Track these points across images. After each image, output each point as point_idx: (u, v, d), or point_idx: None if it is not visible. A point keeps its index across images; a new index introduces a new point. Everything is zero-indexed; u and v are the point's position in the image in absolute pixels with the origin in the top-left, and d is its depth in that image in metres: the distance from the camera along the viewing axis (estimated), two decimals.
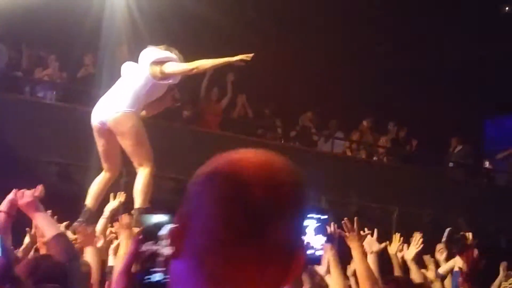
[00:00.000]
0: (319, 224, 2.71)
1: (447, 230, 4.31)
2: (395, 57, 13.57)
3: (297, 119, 13.17)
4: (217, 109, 12.16)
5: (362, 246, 4.34)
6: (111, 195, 5.56)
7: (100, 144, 5.76)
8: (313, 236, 2.71)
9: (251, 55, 5.69)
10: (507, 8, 14.61)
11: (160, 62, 5.71)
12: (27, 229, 4.80)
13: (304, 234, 2.72)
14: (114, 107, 5.63)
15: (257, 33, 12.37)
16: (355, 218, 4.38)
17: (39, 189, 3.67)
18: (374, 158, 13.17)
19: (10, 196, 3.58)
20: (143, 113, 6.02)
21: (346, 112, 13.49)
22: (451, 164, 13.65)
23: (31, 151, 9.06)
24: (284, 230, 1.19)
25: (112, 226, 5.04)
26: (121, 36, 9.84)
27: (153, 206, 5.46)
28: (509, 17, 14.55)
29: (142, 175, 5.61)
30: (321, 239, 2.72)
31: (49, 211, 3.90)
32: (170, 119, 11.05)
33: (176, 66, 5.69)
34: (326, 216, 2.75)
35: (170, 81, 5.81)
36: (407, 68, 13.60)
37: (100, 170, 6.00)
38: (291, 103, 13.16)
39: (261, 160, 1.24)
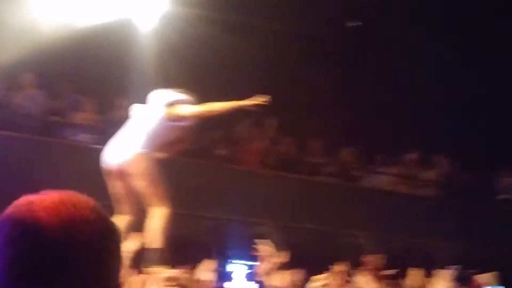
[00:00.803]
0: (251, 270, 2.72)
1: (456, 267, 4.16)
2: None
3: (338, 155, 13.07)
4: (257, 147, 12.21)
5: None
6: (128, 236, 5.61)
7: (116, 186, 5.81)
8: (245, 283, 2.73)
9: (265, 98, 5.77)
10: None
11: (175, 104, 5.79)
12: None
13: (230, 280, 2.69)
14: (128, 149, 5.70)
15: (297, 66, 12.49)
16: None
17: None
18: (420, 192, 12.94)
19: None
20: (162, 154, 6.09)
21: (390, 146, 13.35)
22: (501, 197, 13.31)
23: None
24: (84, 269, 1.16)
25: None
26: (150, 79, 10.07)
27: (185, 245, 5.42)
28: None
29: (158, 216, 5.64)
30: (253, 286, 2.73)
31: None
32: (204, 158, 11.15)
33: (190, 109, 5.79)
34: (258, 263, 2.76)
35: (183, 123, 5.85)
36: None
37: None
38: (331, 138, 13.12)
39: (56, 200, 1.22)
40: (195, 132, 6.30)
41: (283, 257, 5.12)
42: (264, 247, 5.16)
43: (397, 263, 8.86)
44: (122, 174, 5.73)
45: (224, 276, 5.61)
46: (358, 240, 10.28)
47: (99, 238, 1.20)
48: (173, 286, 4.56)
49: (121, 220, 5.81)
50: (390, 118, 13.43)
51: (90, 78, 10.82)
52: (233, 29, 12.32)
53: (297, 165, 12.64)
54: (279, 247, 9.36)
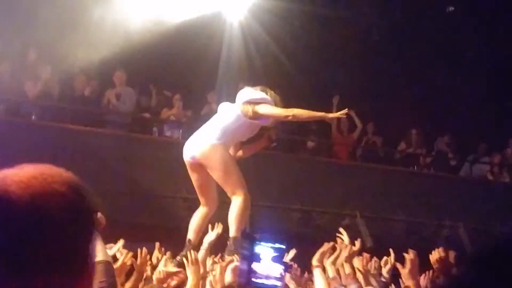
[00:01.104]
0: (277, 253, 2.69)
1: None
2: None
3: (432, 144, 12.70)
4: (349, 139, 12.08)
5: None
6: (209, 226, 5.66)
7: (194, 179, 5.89)
8: (270, 265, 2.66)
9: (346, 111, 5.79)
10: None
11: (254, 103, 5.79)
12: None
13: (258, 260, 2.62)
14: (203, 140, 5.77)
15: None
16: None
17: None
18: None
19: None
20: (240, 153, 6.10)
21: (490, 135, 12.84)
22: None
23: (160, 187, 9.42)
24: (52, 244, 1.16)
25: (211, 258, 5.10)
26: (238, 74, 10.14)
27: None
28: None
29: (236, 203, 5.64)
30: (279, 268, 2.67)
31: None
32: (295, 150, 11.13)
33: (271, 109, 5.74)
34: (283, 246, 2.75)
35: (261, 122, 5.83)
36: None
37: None
38: (426, 128, 12.76)
39: (29, 174, 1.23)
40: (276, 131, 6.26)
41: (357, 246, 5.00)
42: (344, 237, 5.06)
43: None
44: (198, 166, 5.78)
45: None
46: (457, 231, 9.95)
47: (70, 213, 1.20)
48: None
49: (203, 213, 5.87)
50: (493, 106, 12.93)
51: (180, 74, 11.02)
52: (321, 21, 12.22)
53: (389, 156, 12.40)
54: (366, 238, 9.28)
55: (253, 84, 6.23)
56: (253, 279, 2.68)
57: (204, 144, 5.71)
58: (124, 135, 9.94)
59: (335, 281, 4.59)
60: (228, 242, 5.49)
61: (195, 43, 10.75)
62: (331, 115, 5.83)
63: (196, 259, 4.54)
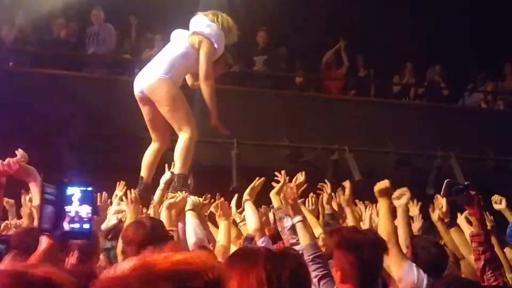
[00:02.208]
0: (85, 194, 2.68)
1: (446, 182, 3.75)
2: None
3: (424, 75, 12.55)
4: (338, 74, 11.95)
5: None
6: (166, 166, 5.61)
7: (144, 113, 5.81)
8: (79, 207, 2.66)
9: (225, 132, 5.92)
10: None
11: (202, 35, 5.65)
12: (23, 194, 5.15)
13: (70, 203, 2.60)
14: (150, 74, 5.65)
15: None
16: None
17: (20, 154, 3.69)
18: None
19: None
20: (193, 83, 5.99)
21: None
22: None
23: (143, 129, 9.31)
24: None
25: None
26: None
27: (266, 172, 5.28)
28: None
29: (181, 140, 5.56)
30: (87, 209, 2.67)
31: None
32: (281, 87, 11.00)
33: (205, 58, 5.58)
34: (90, 188, 2.72)
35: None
36: None
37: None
38: (416, 58, 12.58)
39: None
40: (230, 55, 6.10)
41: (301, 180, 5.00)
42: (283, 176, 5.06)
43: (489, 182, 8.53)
44: (147, 100, 5.68)
45: None
46: (448, 161, 9.92)
47: None
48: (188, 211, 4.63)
49: (155, 149, 5.81)
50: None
51: (160, 13, 10.76)
52: None
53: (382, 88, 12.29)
54: (355, 172, 9.24)
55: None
56: (63, 223, 2.65)
57: (151, 78, 5.59)
58: (105, 77, 9.78)
59: (279, 210, 4.66)
60: (173, 180, 5.44)
61: None
62: (214, 122, 5.75)
63: (136, 198, 4.59)
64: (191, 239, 4.35)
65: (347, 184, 4.75)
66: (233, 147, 9.03)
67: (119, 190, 5.28)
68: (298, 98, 10.81)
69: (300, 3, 11.76)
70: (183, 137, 5.55)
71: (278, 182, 5.00)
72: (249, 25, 11.21)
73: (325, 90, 11.74)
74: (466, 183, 3.93)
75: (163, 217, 4.44)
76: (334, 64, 11.88)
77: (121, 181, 5.37)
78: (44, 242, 2.70)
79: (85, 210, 2.68)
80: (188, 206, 4.71)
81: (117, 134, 8.84)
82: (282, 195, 4.83)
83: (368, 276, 3.13)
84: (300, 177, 4.90)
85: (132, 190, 4.81)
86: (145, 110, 5.77)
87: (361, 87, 12.13)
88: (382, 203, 4.09)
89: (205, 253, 1.55)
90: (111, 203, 5.09)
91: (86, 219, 2.68)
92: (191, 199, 4.78)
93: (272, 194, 4.90)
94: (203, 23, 5.74)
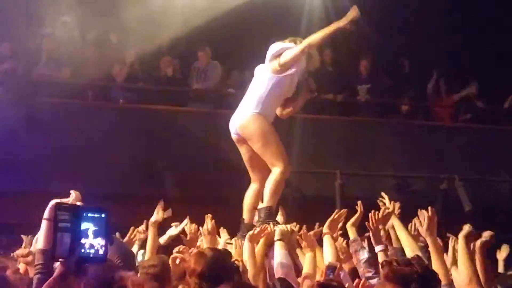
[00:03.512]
0: (100, 224, 2.78)
1: None
2: None
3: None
4: (449, 101, 11.66)
5: None
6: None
7: (242, 154, 5.79)
8: (94, 239, 2.77)
9: (356, 11, 5.52)
10: None
11: (277, 55, 5.58)
12: None
13: (86, 237, 2.55)
14: (241, 113, 5.65)
15: None
16: None
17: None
18: None
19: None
20: (287, 111, 5.88)
21: None
22: None
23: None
24: None
25: None
26: None
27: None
28: None
29: (273, 174, 5.49)
30: (101, 241, 2.78)
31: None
32: (386, 115, 10.86)
33: (289, 53, 5.51)
34: (104, 215, 2.81)
35: (292, 70, 5.58)
36: None
37: None
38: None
39: None
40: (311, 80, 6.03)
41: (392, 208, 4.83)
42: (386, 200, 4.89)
43: None
44: (242, 140, 5.68)
45: None
46: None
47: None
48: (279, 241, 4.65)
49: (255, 190, 5.74)
50: None
51: (262, 45, 10.91)
52: None
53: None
54: (465, 201, 8.91)
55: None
56: (79, 250, 2.72)
57: (242, 116, 5.60)
58: (211, 111, 10.00)
59: (355, 242, 4.53)
60: (259, 213, 5.41)
61: (274, 14, 10.62)
62: (342, 22, 5.52)
63: (213, 229, 4.82)
64: (278, 272, 4.35)
65: (430, 212, 4.51)
66: (337, 177, 8.94)
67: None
68: (403, 126, 10.63)
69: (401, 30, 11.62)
70: (275, 171, 5.50)
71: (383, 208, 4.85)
72: (352, 54, 11.22)
73: (433, 118, 11.48)
74: None
75: (244, 248, 4.48)
76: (442, 91, 11.60)
77: (209, 214, 5.31)
78: (59, 268, 2.79)
79: (99, 243, 2.78)
80: (276, 236, 4.73)
81: (223, 167, 8.97)
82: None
83: None
84: (386, 201, 4.76)
85: (209, 221, 4.86)
86: (242, 150, 5.78)
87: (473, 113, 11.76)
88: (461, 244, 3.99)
89: None
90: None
91: (100, 246, 2.78)
92: (279, 229, 4.78)
93: (348, 226, 4.76)
94: (277, 46, 5.69)
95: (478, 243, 4.23)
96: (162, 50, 10.54)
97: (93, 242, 2.74)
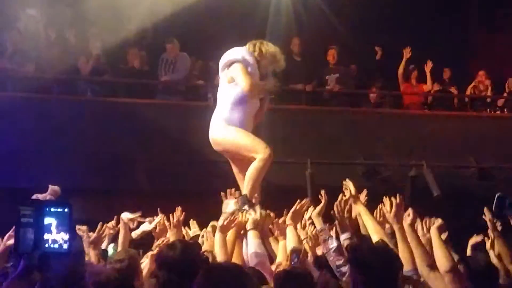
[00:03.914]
0: (63, 218, 2.76)
1: (497, 196, 3.50)
2: None
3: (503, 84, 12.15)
4: (419, 89, 11.75)
5: None
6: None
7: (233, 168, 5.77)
8: (57, 234, 2.74)
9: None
10: None
11: (228, 66, 5.52)
12: None
13: (49, 232, 2.59)
14: (211, 127, 5.59)
15: None
16: None
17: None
18: None
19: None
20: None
21: None
22: None
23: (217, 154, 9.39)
24: None
25: None
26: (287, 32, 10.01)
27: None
28: None
29: (253, 163, 5.39)
30: (65, 236, 2.75)
31: None
32: (355, 104, 10.94)
33: (236, 74, 5.41)
34: (67, 209, 2.77)
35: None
36: None
37: None
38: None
39: None
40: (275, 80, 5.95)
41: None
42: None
43: None
44: (226, 155, 5.68)
45: None
46: None
47: None
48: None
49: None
50: None
51: (229, 35, 10.89)
52: None
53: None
54: (433, 187, 9.03)
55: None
56: (43, 246, 2.70)
57: (211, 132, 5.55)
58: (180, 103, 9.96)
59: (323, 232, 4.45)
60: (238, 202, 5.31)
61: (242, 4, 10.60)
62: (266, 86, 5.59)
63: (178, 222, 4.76)
64: (252, 261, 4.37)
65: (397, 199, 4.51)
66: (307, 166, 8.98)
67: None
68: (372, 114, 10.71)
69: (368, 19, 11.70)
70: (255, 160, 5.38)
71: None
72: (320, 44, 11.26)
73: (402, 106, 11.58)
74: None
75: (215, 239, 4.50)
76: (410, 77, 11.68)
77: (179, 207, 5.20)
78: (22, 264, 2.78)
79: (63, 237, 2.75)
80: (249, 226, 4.73)
81: (193, 159, 8.93)
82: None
83: None
84: (351, 188, 4.72)
85: (176, 214, 4.84)
86: (233, 165, 5.74)
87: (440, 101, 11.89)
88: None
89: None
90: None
91: (64, 241, 2.76)
92: (251, 218, 4.78)
93: (313, 216, 4.70)
94: (227, 57, 5.61)
95: (433, 228, 4.27)
96: (129, 42, 10.45)
97: (56, 237, 2.72)
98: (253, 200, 5.31)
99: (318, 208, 4.74)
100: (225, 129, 5.47)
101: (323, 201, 4.80)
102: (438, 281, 3.79)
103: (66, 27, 10.23)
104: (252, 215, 4.85)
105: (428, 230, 4.39)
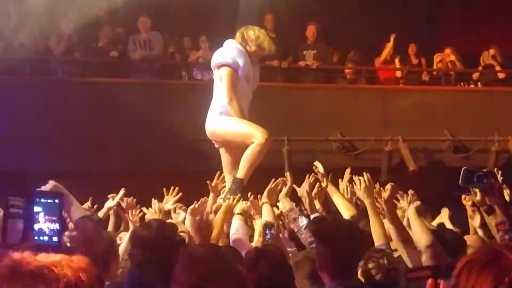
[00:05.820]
0: (52, 209, 2.75)
1: (463, 169, 3.56)
2: None
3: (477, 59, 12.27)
4: (393, 65, 11.84)
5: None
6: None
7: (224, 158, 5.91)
8: (44, 224, 2.72)
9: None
10: None
11: (219, 66, 5.74)
12: None
13: (37, 221, 2.63)
14: (207, 119, 5.79)
15: None
16: None
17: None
18: None
19: None
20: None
21: None
22: None
23: (195, 131, 9.43)
24: None
25: None
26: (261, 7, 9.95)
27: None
28: None
29: (249, 148, 5.55)
30: (53, 226, 2.73)
31: None
32: (332, 80, 10.99)
33: (224, 79, 5.64)
34: (57, 200, 2.77)
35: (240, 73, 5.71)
36: None
37: None
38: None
39: None
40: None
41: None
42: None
43: None
44: (219, 144, 5.85)
45: None
46: None
47: None
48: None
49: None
50: None
51: (203, 14, 10.85)
52: None
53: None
54: (409, 162, 9.16)
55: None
56: (31, 237, 2.70)
57: (207, 124, 5.76)
58: (154, 82, 9.92)
59: (292, 211, 4.63)
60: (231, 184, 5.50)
61: None
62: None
63: (159, 209, 4.78)
64: (233, 241, 4.48)
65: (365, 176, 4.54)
66: (284, 144, 9.04)
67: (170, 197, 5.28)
68: (348, 90, 10.78)
69: None
70: (251, 145, 5.54)
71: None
72: (296, 20, 11.24)
73: (377, 81, 11.67)
74: (485, 170, 3.77)
75: (186, 222, 4.60)
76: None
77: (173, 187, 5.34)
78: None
79: (53, 228, 2.75)
80: (237, 210, 4.87)
81: (170, 137, 8.92)
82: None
83: (343, 267, 3.16)
84: (320, 169, 4.86)
85: (157, 201, 4.90)
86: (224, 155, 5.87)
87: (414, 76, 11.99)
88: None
89: (81, 260, 1.67)
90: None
91: (54, 232, 2.76)
92: (241, 205, 4.92)
93: (281, 197, 4.86)
94: (217, 58, 5.83)
95: (411, 209, 4.32)
96: (101, 21, 10.36)
97: (46, 228, 2.72)
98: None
99: (285, 189, 4.91)
100: (221, 118, 5.67)
101: (288, 183, 4.96)
102: (413, 255, 3.87)
103: (37, 6, 10.10)
104: (243, 204, 4.95)
105: (409, 204, 4.47)
